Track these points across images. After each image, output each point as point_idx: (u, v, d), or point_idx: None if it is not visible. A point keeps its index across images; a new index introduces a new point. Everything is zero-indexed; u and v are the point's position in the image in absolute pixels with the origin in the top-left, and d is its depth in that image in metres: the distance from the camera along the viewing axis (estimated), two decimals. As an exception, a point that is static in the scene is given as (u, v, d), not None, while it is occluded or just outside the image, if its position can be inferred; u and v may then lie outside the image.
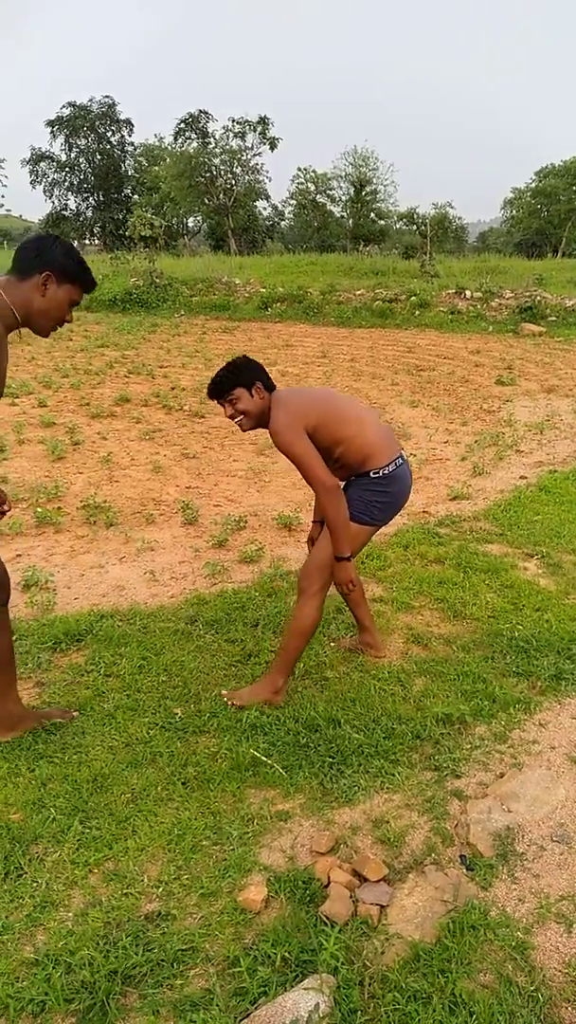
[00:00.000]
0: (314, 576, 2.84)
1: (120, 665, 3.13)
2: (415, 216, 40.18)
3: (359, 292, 18.23)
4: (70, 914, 1.93)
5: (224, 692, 2.92)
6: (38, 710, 2.78)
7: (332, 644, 3.35)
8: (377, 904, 1.94)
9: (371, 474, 2.82)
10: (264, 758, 2.52)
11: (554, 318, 15.41)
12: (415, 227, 39.65)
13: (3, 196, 48.00)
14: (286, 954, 1.79)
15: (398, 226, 44.46)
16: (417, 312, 16.57)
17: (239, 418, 2.72)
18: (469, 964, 1.78)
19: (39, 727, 2.67)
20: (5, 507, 2.39)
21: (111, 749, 2.58)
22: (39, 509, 5.02)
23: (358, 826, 2.27)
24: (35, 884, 2.01)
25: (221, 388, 2.72)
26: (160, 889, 2.01)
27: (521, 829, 2.23)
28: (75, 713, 2.78)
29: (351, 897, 1.96)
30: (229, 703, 2.86)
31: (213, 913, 1.94)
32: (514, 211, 45.06)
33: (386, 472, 2.82)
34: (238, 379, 2.71)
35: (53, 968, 1.76)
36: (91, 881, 2.04)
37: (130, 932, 1.86)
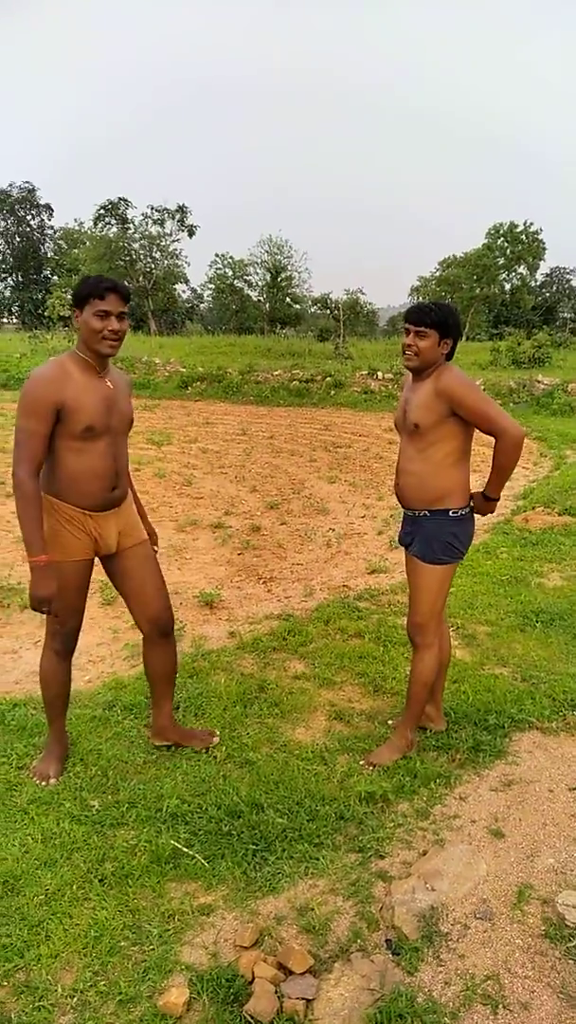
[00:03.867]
0: (426, 629, 2.95)
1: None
2: (328, 301, 42.01)
3: (276, 372, 18.76)
4: (-25, 1035, 1.80)
5: (363, 762, 2.99)
6: (183, 728, 3.14)
7: (257, 723, 3.31)
8: (303, 998, 1.89)
9: (451, 512, 2.82)
10: (185, 849, 2.45)
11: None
12: (329, 311, 41.41)
13: None
14: (209, 1061, 1.71)
15: (313, 310, 46.32)
16: (332, 392, 17.16)
17: (413, 351, 2.74)
18: (397, 1055, 1.74)
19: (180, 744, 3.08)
20: None
21: (24, 847, 2.45)
22: (-51, 593, 4.84)
23: (283, 915, 2.22)
24: None
25: (422, 318, 2.71)
26: (75, 999, 1.90)
27: (445, 908, 2.23)
28: (215, 739, 3.11)
29: (276, 992, 1.90)
30: (370, 768, 2.92)
31: (132, 1021, 1.84)
32: (420, 298, 47.81)
33: (463, 513, 2.85)
34: (443, 324, 2.72)
35: None
36: (0, 995, 1.90)
37: (42, 1050, 1.74)
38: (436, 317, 2.71)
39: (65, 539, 2.65)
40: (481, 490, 2.91)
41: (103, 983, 1.95)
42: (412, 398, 2.81)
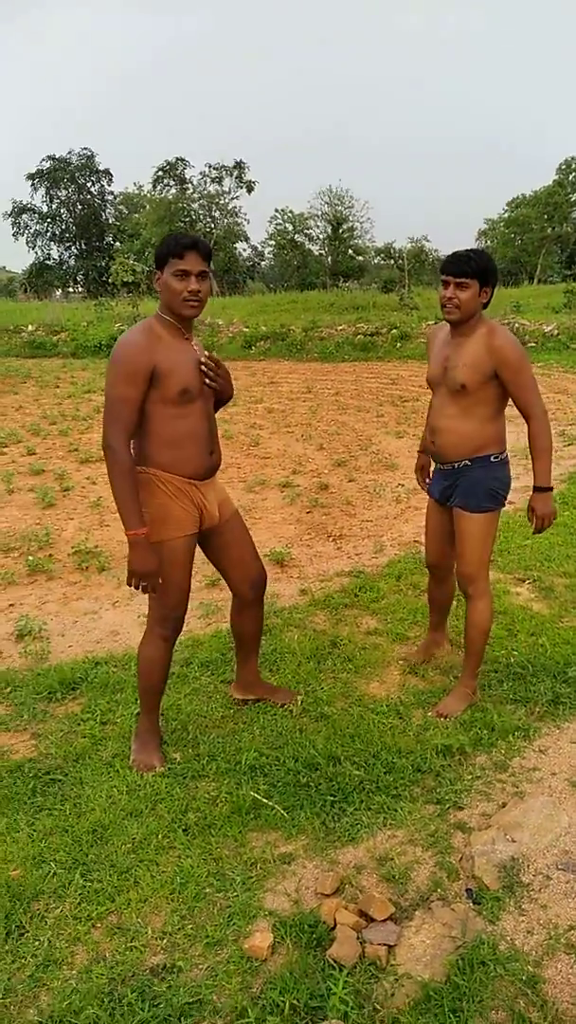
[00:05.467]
0: (478, 577, 2.96)
1: (116, 712, 3.11)
2: (392, 251, 41.01)
3: (341, 327, 18.49)
4: (74, 972, 1.90)
5: (431, 713, 3.01)
6: (267, 684, 3.20)
7: (331, 678, 3.34)
8: (385, 944, 1.92)
9: (492, 458, 2.85)
10: (265, 800, 2.50)
11: (533, 344, 15.65)
12: (392, 261, 40.40)
13: (-14, 249, 48.59)
14: (295, 1001, 1.76)
15: (376, 261, 45.33)
16: (399, 344, 16.81)
17: (454, 303, 2.68)
18: (481, 1002, 1.76)
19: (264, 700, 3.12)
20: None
21: (110, 798, 2.55)
22: (31, 557, 5.02)
23: (362, 865, 2.25)
24: (37, 942, 1.98)
25: (463, 268, 2.64)
26: (164, 941, 1.98)
27: (526, 859, 2.21)
28: (300, 697, 3.13)
29: (358, 938, 1.94)
30: (444, 718, 2.96)
31: (219, 963, 1.91)
32: (488, 241, 46.05)
33: (504, 457, 2.91)
34: (483, 272, 2.65)
35: (58, 1029, 1.72)
36: (94, 936, 2.00)
37: (135, 988, 1.83)
38: (476, 266, 2.65)
39: (176, 513, 2.57)
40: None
41: (190, 927, 2.02)
42: (455, 356, 2.78)
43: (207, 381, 2.58)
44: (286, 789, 2.57)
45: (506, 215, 45.47)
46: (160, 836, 2.36)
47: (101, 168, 47.05)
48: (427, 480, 3.27)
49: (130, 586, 2.54)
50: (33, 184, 45.85)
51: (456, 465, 2.89)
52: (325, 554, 5.19)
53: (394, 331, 17.34)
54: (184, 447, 2.54)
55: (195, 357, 2.55)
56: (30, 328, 20.58)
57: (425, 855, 2.28)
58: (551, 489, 2.81)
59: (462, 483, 2.89)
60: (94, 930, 2.03)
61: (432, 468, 3.22)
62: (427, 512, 3.22)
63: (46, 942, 1.98)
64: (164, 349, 2.46)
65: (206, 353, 2.62)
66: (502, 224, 45.59)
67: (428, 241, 39.81)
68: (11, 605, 4.38)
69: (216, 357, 2.62)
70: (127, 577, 2.54)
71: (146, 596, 4.25)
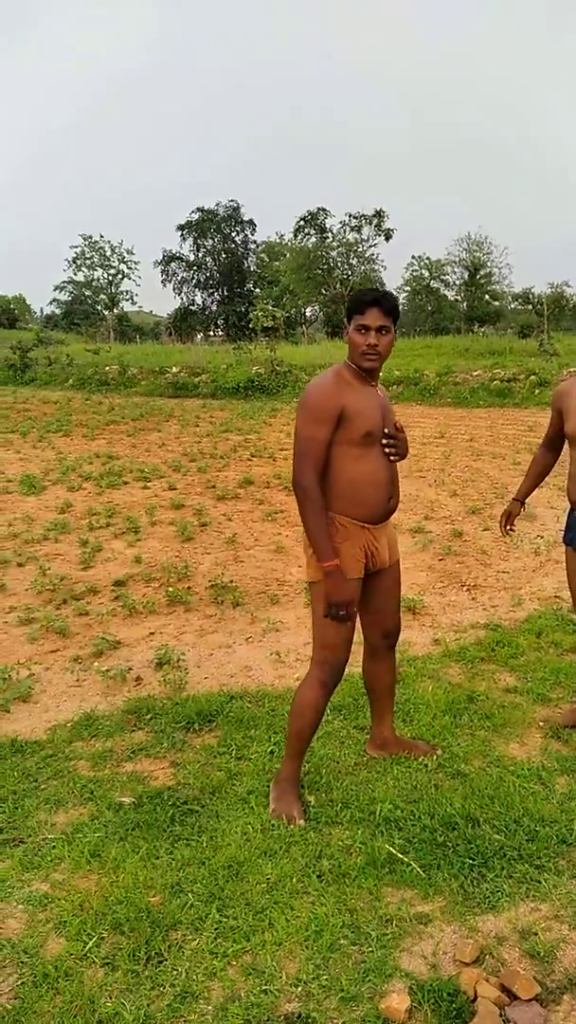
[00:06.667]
0: None
1: (251, 748, 3.15)
2: (531, 296, 40.18)
3: (476, 372, 18.24)
4: (210, 1007, 1.91)
5: None
6: (404, 740, 3.14)
7: (468, 735, 3.24)
8: (531, 1027, 1.81)
9: None
10: (401, 855, 2.44)
11: None
12: (531, 307, 39.58)
13: (137, 295, 51.90)
14: (434, 1074, 1.69)
15: (513, 306, 44.58)
16: (537, 391, 16.33)
17: None
18: None
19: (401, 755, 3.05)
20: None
21: (245, 835, 2.57)
22: (170, 588, 5.22)
23: (503, 936, 2.14)
24: (175, 972, 2.01)
25: None
26: (299, 988, 1.96)
27: None
28: (438, 752, 3.07)
29: (501, 1016, 1.84)
30: None
31: (354, 1020, 1.86)
32: None
33: None
34: None
35: (195, 1064, 1.74)
36: (230, 974, 2.01)
37: (270, 1033, 1.82)
38: None
39: (344, 556, 2.62)
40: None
41: (325, 977, 1.99)
42: None
43: (387, 451, 2.69)
44: (422, 846, 2.49)
45: None
46: (294, 880, 2.34)
47: (246, 219, 49.43)
48: (510, 527, 3.52)
49: (327, 616, 2.63)
50: (182, 234, 48.79)
51: None
52: (459, 604, 5.08)
53: (532, 377, 16.90)
54: (363, 490, 2.63)
55: (379, 402, 2.68)
56: (174, 370, 21.65)
57: (572, 934, 2.14)
58: None
59: None
60: (229, 967, 2.03)
61: (566, 515, 3.26)
62: (567, 562, 3.24)
63: (183, 973, 2.00)
64: (352, 393, 2.60)
65: (392, 426, 2.71)
66: None
67: (569, 287, 38.77)
68: (151, 633, 4.56)
69: (399, 429, 2.73)
70: (326, 608, 2.62)
71: (279, 632, 4.32)
